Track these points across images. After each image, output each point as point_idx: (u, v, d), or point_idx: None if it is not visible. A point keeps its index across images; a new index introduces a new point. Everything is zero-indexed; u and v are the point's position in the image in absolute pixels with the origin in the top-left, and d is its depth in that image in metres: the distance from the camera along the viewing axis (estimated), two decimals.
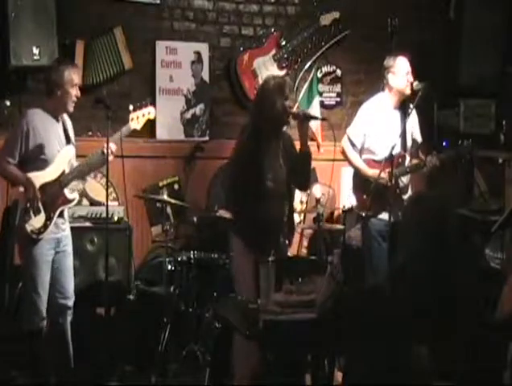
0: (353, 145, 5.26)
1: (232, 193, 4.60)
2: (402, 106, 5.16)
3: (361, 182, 5.19)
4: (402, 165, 5.15)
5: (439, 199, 3.15)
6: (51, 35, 5.39)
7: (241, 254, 4.41)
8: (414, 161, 5.21)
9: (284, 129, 4.51)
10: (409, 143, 5.21)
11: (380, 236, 5.03)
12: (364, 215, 5.13)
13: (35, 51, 5.29)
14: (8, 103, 5.51)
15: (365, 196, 5.10)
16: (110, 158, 4.59)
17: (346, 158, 5.34)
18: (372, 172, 5.05)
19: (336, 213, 6.23)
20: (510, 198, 5.74)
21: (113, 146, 4.60)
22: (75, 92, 4.55)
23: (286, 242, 4.54)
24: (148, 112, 4.79)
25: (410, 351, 2.86)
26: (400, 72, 5.14)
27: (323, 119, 5.35)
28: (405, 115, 5.10)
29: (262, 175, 4.39)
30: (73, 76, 4.55)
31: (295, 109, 4.55)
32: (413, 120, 5.24)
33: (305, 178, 4.63)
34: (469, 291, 2.99)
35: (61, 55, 5.45)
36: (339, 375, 4.12)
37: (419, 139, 5.32)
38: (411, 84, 5.10)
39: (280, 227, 4.45)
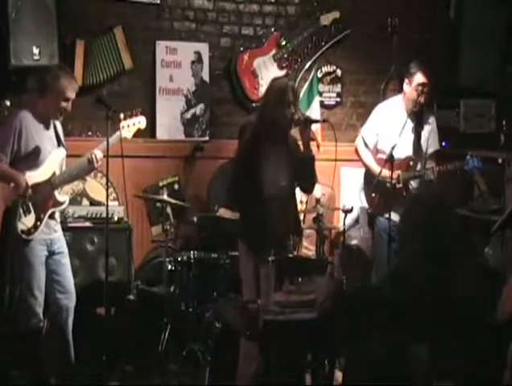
0: (366, 145, 5.32)
1: (233, 196, 4.58)
2: (418, 111, 5.20)
3: (371, 181, 5.21)
4: (413, 169, 5.16)
5: (439, 199, 3.16)
6: (51, 35, 5.38)
7: (245, 257, 4.41)
8: (428, 165, 5.21)
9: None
10: (424, 149, 5.24)
11: (387, 235, 5.04)
12: (372, 213, 5.18)
13: (35, 51, 5.28)
14: (8, 103, 5.49)
15: (373, 194, 5.14)
16: (96, 165, 4.59)
17: (359, 157, 5.40)
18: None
19: (336, 213, 6.22)
20: (510, 198, 5.73)
21: (99, 154, 4.58)
22: (65, 104, 4.50)
23: (292, 242, 4.54)
24: (139, 122, 4.76)
25: (409, 351, 2.86)
26: (414, 85, 5.17)
27: (324, 121, 5.33)
28: (418, 120, 5.14)
29: (262, 178, 4.37)
30: (67, 91, 4.47)
31: (296, 115, 4.51)
32: (431, 126, 5.28)
33: (311, 181, 4.61)
34: (469, 291, 2.99)
35: (61, 55, 5.44)
36: (339, 375, 4.12)
37: (436, 146, 5.33)
38: (419, 103, 5.13)
39: (283, 230, 4.43)
